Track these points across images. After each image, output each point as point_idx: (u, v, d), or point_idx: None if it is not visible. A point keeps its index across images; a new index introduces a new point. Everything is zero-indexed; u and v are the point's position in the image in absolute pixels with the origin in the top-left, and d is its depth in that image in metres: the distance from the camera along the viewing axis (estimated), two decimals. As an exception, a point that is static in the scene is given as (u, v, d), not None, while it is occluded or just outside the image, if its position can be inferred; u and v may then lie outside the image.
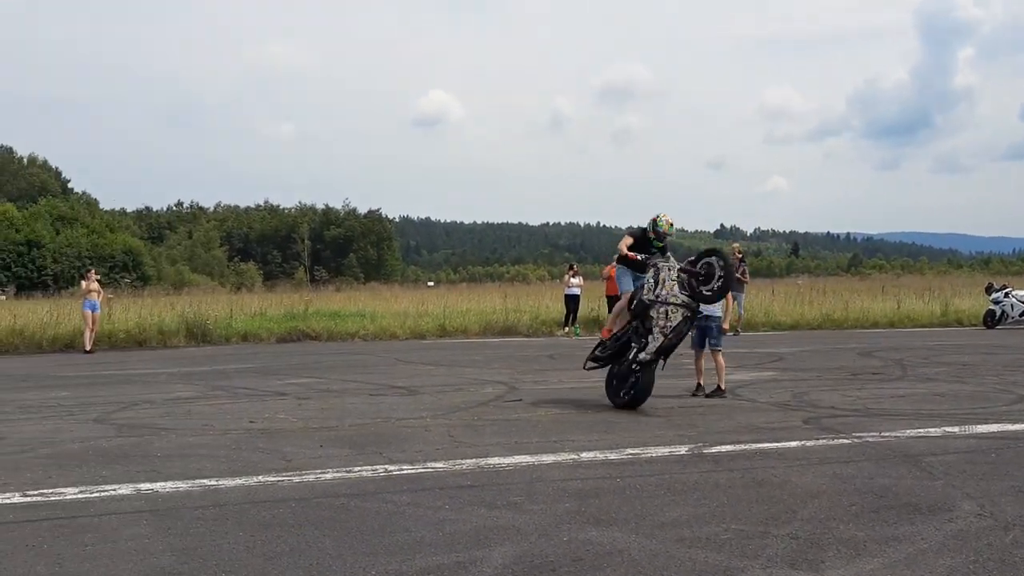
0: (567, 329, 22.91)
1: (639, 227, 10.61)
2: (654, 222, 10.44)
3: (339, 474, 6.51)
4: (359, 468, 6.70)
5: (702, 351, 10.92)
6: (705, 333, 10.78)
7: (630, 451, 7.28)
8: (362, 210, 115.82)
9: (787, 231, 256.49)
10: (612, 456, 7.10)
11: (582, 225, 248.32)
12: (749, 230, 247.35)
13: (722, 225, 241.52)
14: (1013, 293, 25.85)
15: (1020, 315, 25.34)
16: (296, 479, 6.38)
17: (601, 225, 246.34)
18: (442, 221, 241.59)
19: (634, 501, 5.70)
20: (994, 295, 25.95)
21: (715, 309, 10.64)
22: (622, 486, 6.11)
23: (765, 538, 4.89)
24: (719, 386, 10.66)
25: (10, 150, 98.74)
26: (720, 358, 10.80)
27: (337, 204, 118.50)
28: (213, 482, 6.31)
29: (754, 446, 7.52)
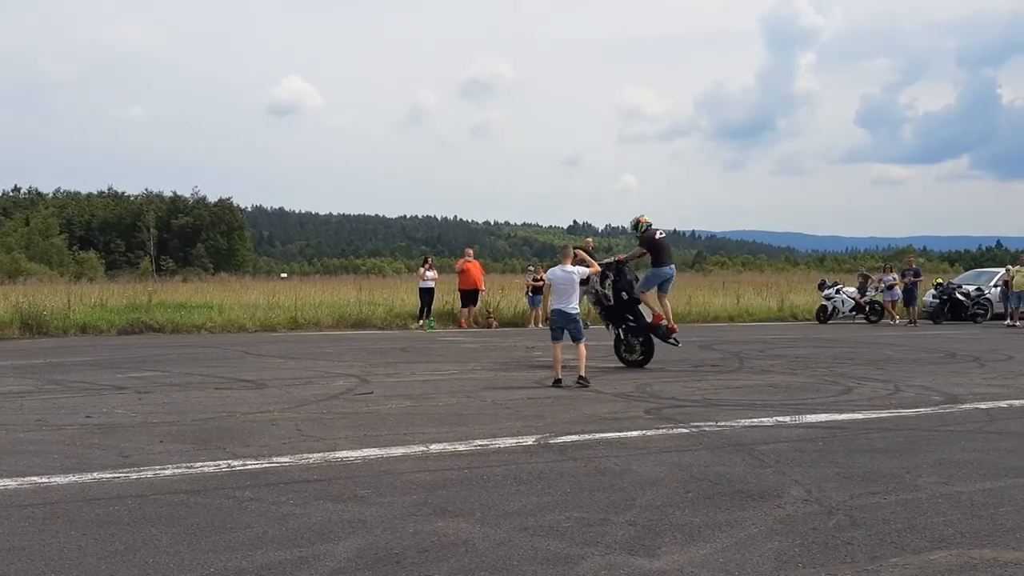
0: (422, 322, 22.90)
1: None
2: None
3: (179, 470, 6.35)
4: (201, 464, 6.54)
5: (560, 343, 11.27)
6: (569, 327, 11.23)
7: (479, 442, 7.37)
8: (212, 199, 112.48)
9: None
10: (461, 447, 7.17)
11: (439, 219, 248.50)
12: (600, 226, 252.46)
13: (575, 221, 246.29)
14: (844, 289, 27.34)
15: (850, 310, 26.81)
16: (134, 475, 6.18)
17: (458, 219, 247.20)
18: (297, 212, 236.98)
19: (480, 492, 5.78)
20: (826, 291, 27.37)
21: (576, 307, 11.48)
22: (469, 477, 6.18)
23: (605, 525, 5.05)
24: (581, 375, 11.12)
25: None
26: (583, 348, 11.34)
27: (186, 192, 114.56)
28: (44, 479, 6.05)
29: (598, 436, 7.73)
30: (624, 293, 13.39)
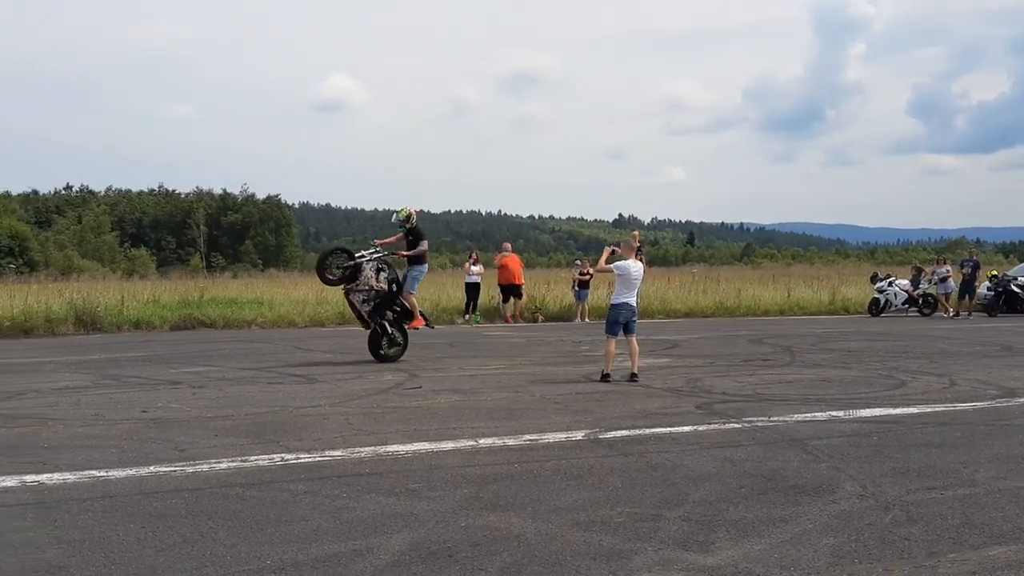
0: (467, 317, 22.96)
1: None
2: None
3: (234, 464, 6.43)
4: (255, 457, 6.61)
5: (615, 338, 11.16)
6: (631, 321, 11.14)
7: (528, 437, 7.37)
8: (261, 196, 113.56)
9: (683, 221, 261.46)
10: (511, 442, 7.18)
11: (483, 213, 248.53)
12: (647, 219, 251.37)
13: (620, 214, 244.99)
14: (896, 282, 26.94)
15: (903, 303, 26.41)
16: (190, 469, 6.27)
17: (502, 213, 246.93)
18: (343, 208, 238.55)
19: (530, 486, 5.77)
20: (879, 284, 26.99)
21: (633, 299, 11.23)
22: (519, 471, 6.18)
23: (657, 520, 5.02)
24: (634, 371, 11.07)
25: None
26: (635, 343, 11.28)
27: (235, 189, 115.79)
28: (103, 473, 6.15)
29: (648, 431, 7.69)
30: (394, 284, 13.18)
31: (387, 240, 13.84)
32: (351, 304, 13.07)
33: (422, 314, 13.64)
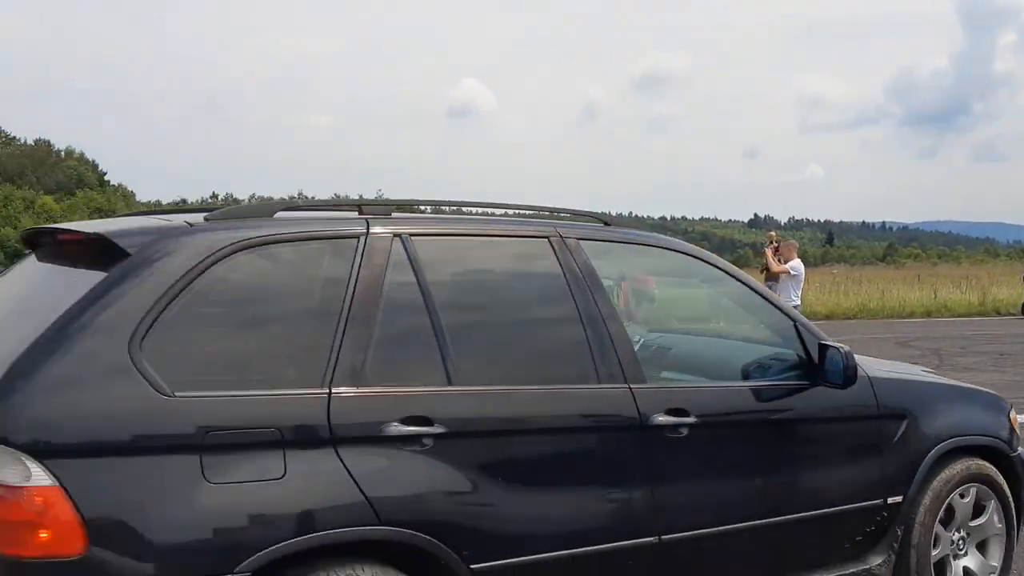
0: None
1: None
2: None
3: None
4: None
5: None
6: None
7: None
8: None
9: (821, 220, 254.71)
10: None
11: (615, 215, 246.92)
12: (783, 219, 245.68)
13: (756, 214, 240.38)
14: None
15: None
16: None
17: (634, 215, 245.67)
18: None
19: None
20: (1032, 284, 25.67)
21: None
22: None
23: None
24: None
25: (48, 143, 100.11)
26: None
27: (370, 195, 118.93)
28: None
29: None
30: None
31: None
32: None
33: None
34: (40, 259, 3.05)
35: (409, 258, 2.81)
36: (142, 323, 2.39)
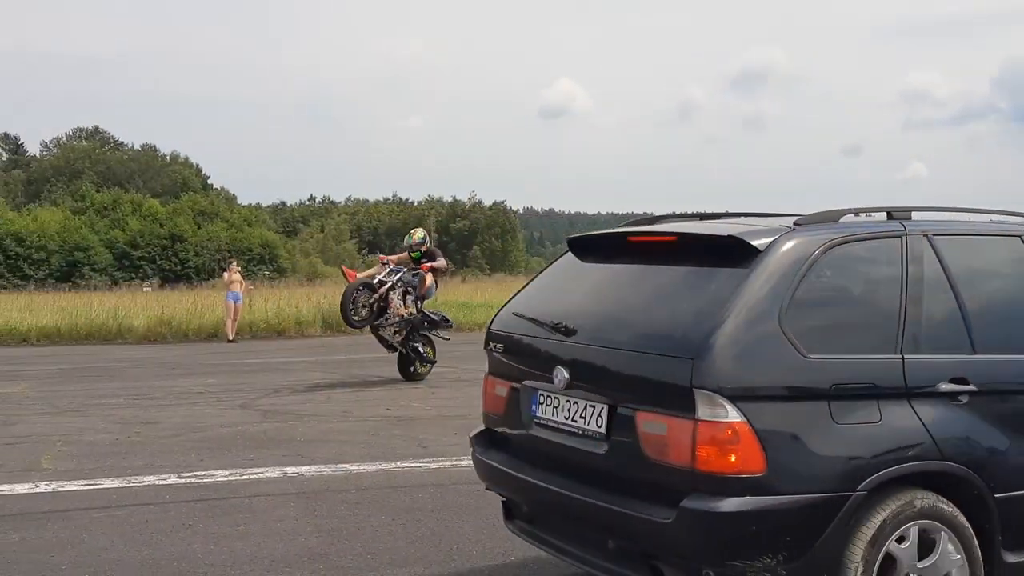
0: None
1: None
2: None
3: (475, 461, 6.61)
4: (494, 456, 6.78)
5: None
6: None
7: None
8: (487, 202, 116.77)
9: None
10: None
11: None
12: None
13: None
14: None
15: None
16: (433, 465, 6.53)
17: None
18: (566, 212, 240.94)
19: None
20: None
21: None
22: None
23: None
24: None
25: (154, 148, 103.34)
26: None
27: (464, 196, 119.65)
28: (355, 467, 6.51)
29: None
30: (418, 300, 11.81)
31: (393, 257, 12.51)
32: (380, 339, 11.69)
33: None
34: (606, 257, 3.97)
35: (935, 251, 3.48)
36: (785, 301, 3.13)
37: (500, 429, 4.09)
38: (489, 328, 4.18)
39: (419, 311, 11.71)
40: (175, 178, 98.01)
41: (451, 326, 12.76)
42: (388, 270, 11.51)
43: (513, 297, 4.29)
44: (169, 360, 15.32)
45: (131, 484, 6.09)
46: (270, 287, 34.96)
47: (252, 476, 6.27)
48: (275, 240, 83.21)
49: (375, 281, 11.22)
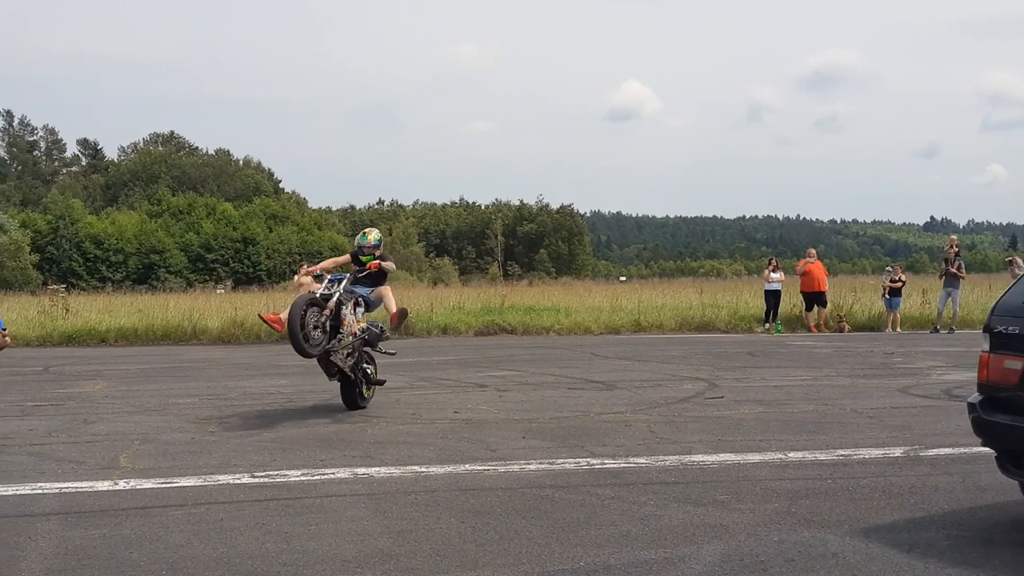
0: (768, 325, 22.34)
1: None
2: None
3: (542, 465, 6.62)
4: (562, 460, 6.79)
5: None
6: None
7: (840, 452, 7.04)
8: (554, 205, 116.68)
9: (1003, 223, 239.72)
10: (822, 456, 6.89)
11: (780, 218, 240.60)
12: (962, 222, 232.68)
13: (932, 217, 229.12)
14: None
15: None
16: (501, 469, 6.54)
17: (801, 218, 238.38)
18: (634, 215, 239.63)
19: (846, 504, 5.51)
20: None
21: None
22: (833, 487, 5.92)
23: (989, 546, 4.64)
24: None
25: (227, 153, 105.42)
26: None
27: (531, 200, 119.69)
28: (424, 469, 6.55)
29: (975, 450, 7.07)
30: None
31: (327, 264, 10.48)
32: (328, 365, 9.16)
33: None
34: None
35: None
36: None
37: (1006, 395, 4.86)
38: (992, 313, 5.11)
39: (368, 324, 9.63)
40: (248, 182, 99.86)
41: (388, 337, 10.22)
42: (328, 279, 9.38)
43: (1011, 288, 5.32)
44: (242, 361, 15.59)
45: (206, 483, 6.22)
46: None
47: (323, 476, 6.35)
48: (344, 243, 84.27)
49: (318, 295, 9.00)
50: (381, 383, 9.94)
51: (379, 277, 9.83)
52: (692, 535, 4.87)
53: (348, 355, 9.10)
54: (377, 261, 9.69)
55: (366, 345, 9.56)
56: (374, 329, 9.70)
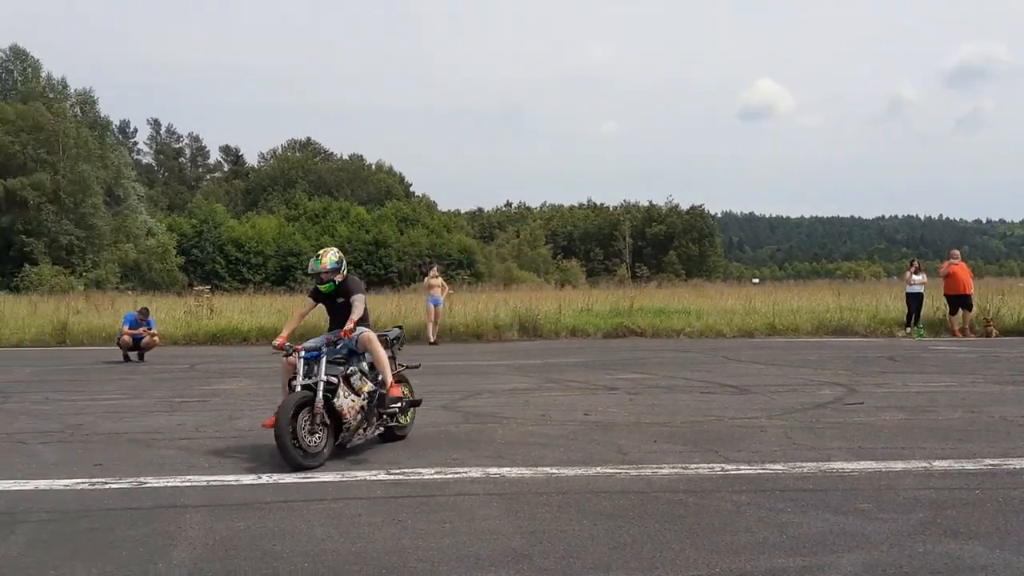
0: (909, 329, 21.50)
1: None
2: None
3: (675, 470, 6.54)
4: (695, 465, 6.69)
5: None
6: None
7: (989, 461, 6.72)
8: (684, 206, 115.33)
9: None
10: (969, 466, 6.59)
11: (922, 218, 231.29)
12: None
13: None
14: None
15: None
16: (633, 472, 6.49)
17: (944, 218, 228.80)
18: (767, 216, 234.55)
19: (995, 515, 5.26)
20: None
21: None
22: (981, 498, 5.66)
23: None
24: None
25: (361, 158, 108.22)
26: None
27: (660, 201, 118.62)
28: (554, 470, 6.56)
29: None
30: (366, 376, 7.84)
31: (291, 325, 8.15)
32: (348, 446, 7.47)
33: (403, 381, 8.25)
34: None
35: None
36: None
37: None
38: None
39: (375, 384, 7.70)
40: (380, 186, 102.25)
41: (403, 338, 8.90)
42: (302, 358, 7.25)
43: None
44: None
45: (345, 479, 6.39)
46: (468, 291, 35.80)
47: (456, 475, 6.44)
48: (473, 245, 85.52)
49: (297, 386, 7.10)
50: (417, 404, 8.09)
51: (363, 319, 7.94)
52: (832, 544, 4.73)
53: (366, 428, 7.51)
54: (350, 327, 7.56)
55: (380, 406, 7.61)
56: (387, 334, 8.31)
